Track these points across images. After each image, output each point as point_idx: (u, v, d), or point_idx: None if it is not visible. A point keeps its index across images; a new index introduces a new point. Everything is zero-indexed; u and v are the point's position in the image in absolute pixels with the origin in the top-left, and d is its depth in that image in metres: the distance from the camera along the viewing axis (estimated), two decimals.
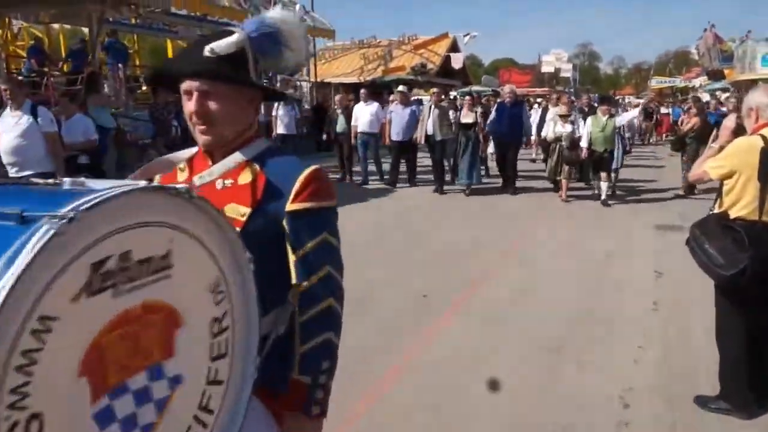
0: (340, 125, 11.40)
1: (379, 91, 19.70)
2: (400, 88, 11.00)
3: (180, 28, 18.88)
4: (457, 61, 26.37)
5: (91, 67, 10.00)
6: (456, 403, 3.16)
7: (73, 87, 13.13)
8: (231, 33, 1.30)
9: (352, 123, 10.93)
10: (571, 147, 9.10)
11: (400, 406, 3.12)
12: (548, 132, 9.93)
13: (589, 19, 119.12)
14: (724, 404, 2.96)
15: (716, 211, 2.86)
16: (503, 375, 3.46)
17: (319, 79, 21.92)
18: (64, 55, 19.91)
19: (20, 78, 12.44)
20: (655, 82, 55.05)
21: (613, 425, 2.92)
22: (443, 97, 11.76)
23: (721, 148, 2.88)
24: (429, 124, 10.15)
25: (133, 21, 18.49)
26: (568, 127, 9.35)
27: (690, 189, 10.00)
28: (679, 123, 19.24)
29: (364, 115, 10.87)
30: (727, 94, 24.16)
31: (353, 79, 24.91)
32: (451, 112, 10.45)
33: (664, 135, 24.03)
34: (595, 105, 11.20)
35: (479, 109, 10.99)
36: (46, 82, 12.13)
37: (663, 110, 25.18)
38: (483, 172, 11.07)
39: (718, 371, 3.04)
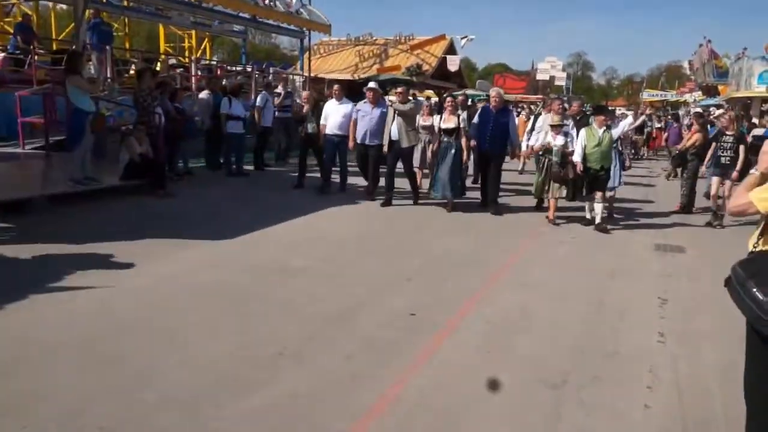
0: (310, 125, 9.94)
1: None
2: (399, 88, 9.37)
3: (173, 13, 18.40)
4: (453, 64, 25.99)
5: (74, 47, 9.50)
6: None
7: (58, 66, 12.71)
8: None
9: (321, 122, 9.62)
10: (561, 163, 7.94)
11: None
12: (536, 142, 8.89)
13: (583, 29, 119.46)
14: None
15: (762, 248, 2.49)
16: (501, 414, 3.12)
17: (312, 74, 21.48)
18: (54, 35, 19.39)
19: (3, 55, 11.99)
20: (647, 95, 55.29)
21: None
22: (412, 97, 10.70)
23: (764, 176, 2.52)
24: (393, 129, 8.84)
25: (125, 3, 18.01)
26: (560, 140, 8.07)
27: (688, 207, 9.78)
28: (665, 139, 19.16)
29: (335, 114, 9.52)
30: (720, 111, 24.16)
31: (347, 76, 24.48)
32: (419, 117, 9.14)
33: (656, 150, 23.73)
34: (587, 113, 10.02)
35: (463, 113, 9.84)
36: (30, 60, 11.65)
37: (656, 124, 24.83)
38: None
39: (744, 428, 2.71)
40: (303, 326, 4.17)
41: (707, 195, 9.16)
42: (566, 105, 10.70)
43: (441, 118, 8.91)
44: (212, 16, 18.82)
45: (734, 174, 8.31)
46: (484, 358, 3.83)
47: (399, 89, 9.16)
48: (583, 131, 7.90)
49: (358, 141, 9.21)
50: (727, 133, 8.71)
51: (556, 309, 4.80)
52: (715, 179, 8.70)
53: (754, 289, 2.30)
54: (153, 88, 9.13)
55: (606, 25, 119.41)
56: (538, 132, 9.09)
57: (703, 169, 9.31)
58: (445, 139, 8.65)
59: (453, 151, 8.54)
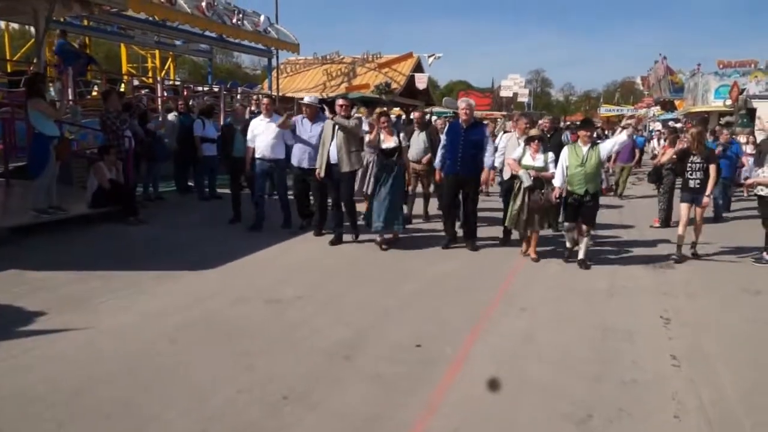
0: (237, 147, 8.44)
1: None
2: (340, 101, 7.71)
3: (136, 32, 17.92)
4: (421, 82, 26.15)
5: (34, 69, 9.05)
6: None
7: (16, 89, 12.15)
8: None
9: (248, 143, 7.95)
10: (540, 187, 6.80)
11: None
12: (500, 165, 7.69)
13: (541, 47, 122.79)
14: None
15: None
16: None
17: (280, 94, 21.23)
18: (8, 55, 18.65)
19: None
20: (604, 110, 56.85)
21: None
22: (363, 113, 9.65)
23: None
24: (332, 150, 7.32)
25: (86, 22, 17.44)
26: (540, 160, 6.86)
27: (666, 221, 9.87)
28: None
29: (263, 134, 7.82)
30: (678, 125, 24.92)
31: (316, 95, 24.31)
32: (367, 136, 7.56)
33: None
34: (561, 127, 9.65)
35: (422, 134, 8.88)
36: None
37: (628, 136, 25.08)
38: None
39: None
40: (305, 363, 3.90)
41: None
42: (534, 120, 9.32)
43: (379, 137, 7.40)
44: (177, 36, 18.43)
45: (705, 200, 7.25)
46: (501, 392, 3.63)
47: (340, 101, 7.60)
48: (565, 149, 6.83)
49: (295, 164, 7.71)
50: (693, 152, 7.38)
51: (560, 333, 4.65)
52: (683, 206, 7.41)
53: None
54: (120, 111, 8.74)
55: (563, 42, 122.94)
56: (501, 153, 7.88)
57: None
58: (386, 161, 7.25)
59: (394, 174, 7.23)
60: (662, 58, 36.34)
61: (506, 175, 7.73)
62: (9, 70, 14.13)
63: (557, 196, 6.72)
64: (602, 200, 8.80)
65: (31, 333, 4.21)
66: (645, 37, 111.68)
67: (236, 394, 3.45)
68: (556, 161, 6.88)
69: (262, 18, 18.27)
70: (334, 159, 7.31)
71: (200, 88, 19.89)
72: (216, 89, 18.09)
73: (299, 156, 7.65)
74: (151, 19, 15.33)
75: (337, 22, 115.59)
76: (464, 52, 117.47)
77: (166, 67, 22.43)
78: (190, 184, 11.07)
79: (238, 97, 18.18)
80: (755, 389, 3.76)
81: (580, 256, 6.76)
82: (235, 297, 5.23)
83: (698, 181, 7.30)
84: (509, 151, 7.63)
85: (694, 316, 5.19)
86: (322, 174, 7.35)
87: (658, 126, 35.47)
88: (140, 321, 4.55)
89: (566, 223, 7.00)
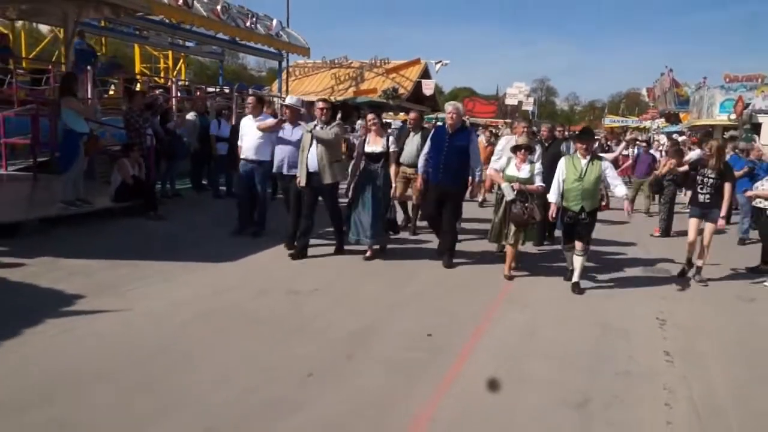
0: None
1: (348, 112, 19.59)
2: (320, 103, 6.92)
3: (151, 33, 18.31)
4: (428, 88, 26.55)
5: (64, 69, 9.41)
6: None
7: (38, 87, 12.52)
8: None
9: (239, 143, 7.76)
10: (523, 200, 6.21)
11: None
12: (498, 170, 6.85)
13: (546, 56, 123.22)
14: None
15: None
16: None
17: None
18: (24, 53, 19.04)
19: None
20: (609, 121, 57.17)
21: None
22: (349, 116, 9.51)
23: None
24: (312, 158, 6.58)
25: (102, 23, 17.84)
26: (525, 171, 6.34)
27: (666, 231, 10.16)
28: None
29: (249, 134, 7.52)
30: (682, 138, 25.24)
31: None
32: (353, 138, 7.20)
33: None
34: (559, 136, 8.76)
35: (416, 135, 8.16)
36: (10, 79, 11.43)
37: (624, 151, 25.03)
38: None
39: None
40: (326, 348, 4.23)
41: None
42: (534, 129, 9.27)
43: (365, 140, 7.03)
44: (191, 37, 18.82)
45: (721, 222, 6.72)
46: (505, 380, 3.94)
47: (319, 104, 6.82)
48: (562, 161, 6.24)
49: (275, 170, 7.26)
50: (709, 166, 6.82)
51: (562, 329, 4.96)
52: (692, 222, 6.90)
53: None
54: (143, 110, 9.10)
55: (568, 50, 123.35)
56: (498, 157, 7.43)
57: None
58: (371, 167, 6.79)
59: (378, 182, 6.74)
60: (668, 71, 36.70)
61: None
62: (25, 67, 14.54)
63: (553, 213, 6.23)
64: (606, 215, 9.32)
65: (73, 313, 4.56)
66: (651, 49, 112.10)
67: (265, 371, 3.78)
68: (551, 173, 6.31)
69: (274, 22, 18.65)
70: (313, 167, 6.60)
71: (212, 89, 20.26)
72: (227, 90, 18.47)
73: (278, 160, 7.15)
74: (167, 21, 15.75)
75: (345, 27, 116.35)
76: (469, 59, 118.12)
77: (177, 67, 22.84)
78: (204, 182, 11.42)
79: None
80: (744, 385, 4.07)
81: (574, 278, 6.15)
82: (257, 288, 5.56)
83: (708, 196, 6.79)
84: (504, 153, 7.13)
85: (689, 319, 5.50)
86: (302, 183, 6.69)
87: (663, 138, 35.85)
88: (170, 306, 4.88)
89: (566, 245, 6.40)
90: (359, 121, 10.35)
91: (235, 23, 16.53)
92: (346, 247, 7.09)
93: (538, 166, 6.45)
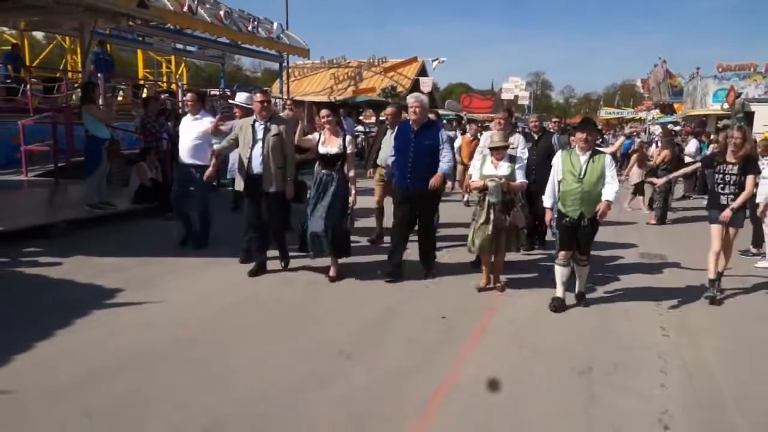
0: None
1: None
2: (258, 96, 5.85)
3: (155, 39, 18.68)
4: (426, 85, 26.87)
5: (82, 77, 9.79)
6: (504, 423, 3.32)
7: (51, 95, 12.90)
8: None
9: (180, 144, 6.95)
10: (503, 206, 5.42)
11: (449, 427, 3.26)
12: (474, 173, 5.87)
13: (540, 49, 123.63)
14: None
15: None
16: (546, 395, 3.65)
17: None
18: (28, 61, 19.39)
19: None
20: (604, 113, 57.54)
21: None
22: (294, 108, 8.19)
23: None
24: (255, 159, 5.76)
25: (108, 30, 18.21)
26: (504, 168, 5.52)
27: (662, 219, 10.57)
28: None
29: (185, 135, 6.84)
30: (678, 128, 25.64)
31: (323, 98, 25.11)
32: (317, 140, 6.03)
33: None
34: (549, 128, 7.95)
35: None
36: (24, 88, 11.80)
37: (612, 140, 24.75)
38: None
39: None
40: (352, 330, 4.63)
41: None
42: (513, 120, 7.88)
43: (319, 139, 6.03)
44: (193, 42, 19.18)
45: (726, 212, 5.66)
46: (520, 350, 4.34)
47: (258, 96, 5.81)
48: (558, 158, 5.36)
49: (228, 175, 6.83)
50: (730, 160, 5.78)
51: (568, 313, 5.34)
52: (715, 229, 5.80)
53: None
54: (158, 115, 9.49)
55: (562, 43, 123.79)
56: (480, 154, 6.46)
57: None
58: (323, 172, 5.85)
59: (333, 187, 5.78)
60: (662, 62, 37.14)
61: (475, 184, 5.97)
62: (36, 75, 14.91)
63: (550, 222, 5.46)
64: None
65: (116, 304, 4.97)
66: (646, 40, 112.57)
67: (301, 350, 4.19)
68: (547, 171, 5.58)
69: (275, 25, 19.06)
70: (257, 168, 5.79)
71: (215, 92, 20.64)
72: (229, 93, 18.84)
73: (231, 163, 6.77)
74: (172, 27, 16.12)
75: (341, 27, 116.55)
76: (464, 54, 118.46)
77: (179, 71, 23.20)
78: (214, 183, 11.77)
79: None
80: (733, 354, 4.47)
81: (578, 287, 5.52)
82: (280, 280, 5.95)
83: (732, 196, 5.74)
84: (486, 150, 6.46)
85: (683, 300, 5.87)
86: (241, 186, 5.97)
87: (658, 129, 36.29)
88: (202, 297, 5.29)
89: (560, 254, 5.35)
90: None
91: (237, 27, 16.93)
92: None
93: (520, 158, 5.72)
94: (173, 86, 18.13)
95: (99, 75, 13.13)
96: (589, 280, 5.70)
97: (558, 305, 5.25)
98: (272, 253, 6.29)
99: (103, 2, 7.99)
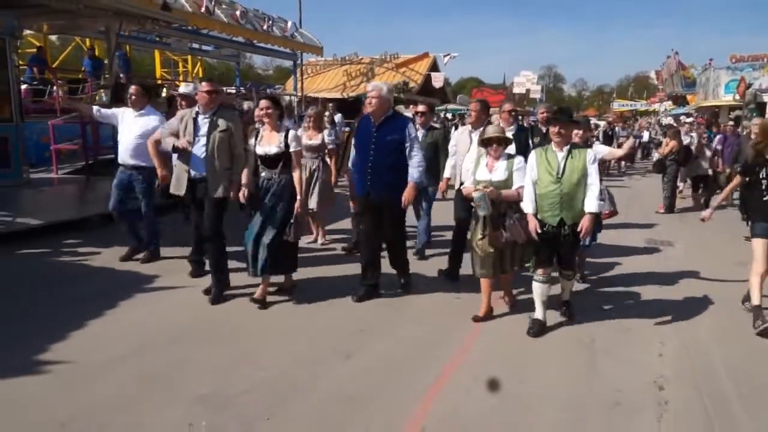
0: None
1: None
2: (205, 85, 5.11)
3: (172, 39, 19.15)
4: (437, 81, 27.21)
5: (108, 79, 10.25)
6: (519, 387, 3.67)
7: (75, 95, 13.39)
8: None
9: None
10: (497, 219, 4.56)
11: (463, 391, 3.63)
12: (465, 177, 5.10)
13: (552, 42, 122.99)
14: None
15: None
16: (554, 362, 4.02)
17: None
18: (49, 62, 19.98)
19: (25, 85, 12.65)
20: (617, 105, 57.38)
21: (654, 402, 3.51)
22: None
23: None
24: (197, 157, 5.02)
25: (126, 32, 18.73)
26: (500, 171, 4.63)
27: (670, 208, 10.83)
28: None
29: (127, 132, 6.19)
30: (690, 119, 25.70)
31: (336, 95, 25.50)
32: (304, 136, 6.26)
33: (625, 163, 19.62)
34: (533, 122, 6.71)
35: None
36: (51, 90, 12.29)
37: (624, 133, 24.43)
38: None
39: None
40: (368, 312, 5.00)
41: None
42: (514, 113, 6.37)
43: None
44: (210, 41, 19.63)
45: None
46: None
47: (204, 86, 5.05)
48: (531, 156, 4.61)
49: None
50: None
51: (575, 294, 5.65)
52: (760, 244, 4.82)
53: None
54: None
55: (575, 37, 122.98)
56: (453, 153, 6.04)
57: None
58: (263, 175, 5.04)
59: (275, 194, 4.98)
60: (674, 53, 37.12)
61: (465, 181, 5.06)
62: (57, 77, 15.43)
63: (536, 229, 4.45)
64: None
65: (154, 289, 5.42)
66: (660, 31, 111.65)
67: (323, 329, 4.59)
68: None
69: (289, 24, 19.46)
70: (200, 169, 5.04)
71: (231, 90, 21.10)
72: (244, 91, 19.27)
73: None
74: (189, 27, 16.56)
75: (354, 24, 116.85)
76: (475, 49, 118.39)
77: (195, 70, 23.69)
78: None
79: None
80: (726, 331, 4.77)
81: (564, 296, 4.91)
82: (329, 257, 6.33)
83: None
84: (461, 150, 5.80)
85: (683, 281, 6.18)
86: (181, 191, 5.23)
87: (671, 121, 36.28)
88: (232, 282, 5.65)
89: (538, 271, 4.64)
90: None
91: (253, 26, 17.35)
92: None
93: (518, 160, 4.69)
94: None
95: (121, 75, 13.70)
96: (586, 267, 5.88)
97: (537, 330, 4.53)
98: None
99: (131, 6, 8.39)
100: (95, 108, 6.39)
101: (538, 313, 4.64)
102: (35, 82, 13.45)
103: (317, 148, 7.02)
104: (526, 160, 4.63)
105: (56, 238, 7.15)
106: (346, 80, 27.87)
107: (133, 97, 6.25)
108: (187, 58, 22.49)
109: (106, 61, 14.47)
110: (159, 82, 19.62)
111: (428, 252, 6.91)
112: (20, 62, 15.19)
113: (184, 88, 5.94)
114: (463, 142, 5.81)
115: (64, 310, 4.81)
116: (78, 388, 3.56)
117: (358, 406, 3.43)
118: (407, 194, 5.07)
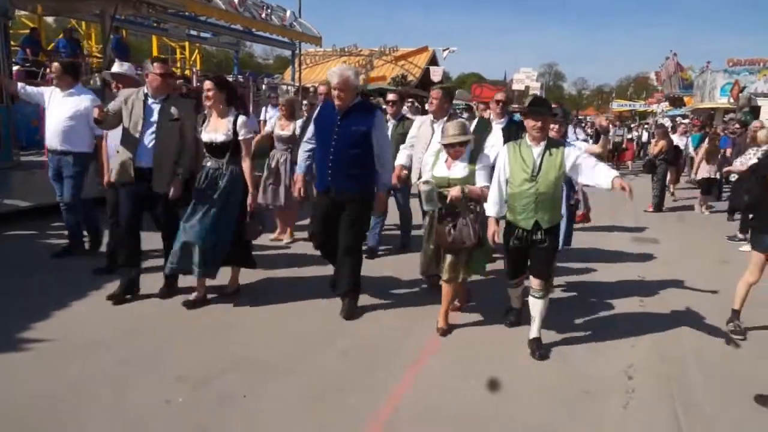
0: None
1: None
2: (155, 66, 4.54)
3: (170, 25, 19.11)
4: (436, 74, 27.22)
5: (103, 63, 10.24)
6: (501, 372, 3.75)
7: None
8: None
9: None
10: (450, 217, 4.16)
11: (437, 376, 3.72)
12: (424, 171, 4.80)
13: (554, 40, 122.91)
14: None
15: None
16: (526, 352, 4.09)
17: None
18: (43, 45, 19.92)
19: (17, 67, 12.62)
20: (616, 105, 57.43)
21: (621, 391, 3.60)
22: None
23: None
24: (144, 147, 4.54)
25: (123, 17, 18.68)
26: (459, 169, 4.25)
27: (659, 206, 10.92)
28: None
29: (55, 114, 5.65)
30: (687, 120, 25.79)
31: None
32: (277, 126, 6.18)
33: (630, 162, 20.34)
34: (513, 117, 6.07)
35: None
36: (44, 71, 12.26)
37: (627, 134, 24.52)
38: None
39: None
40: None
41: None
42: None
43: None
44: (208, 29, 19.60)
45: None
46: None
47: (158, 68, 4.53)
48: (503, 151, 4.15)
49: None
50: None
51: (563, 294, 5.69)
52: (760, 257, 4.52)
53: None
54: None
55: (577, 35, 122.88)
56: (410, 145, 5.67)
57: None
58: (209, 165, 4.58)
59: (221, 188, 4.52)
60: (673, 55, 37.19)
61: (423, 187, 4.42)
62: (50, 59, 15.38)
63: (495, 236, 4.07)
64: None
65: (141, 271, 5.42)
66: (661, 32, 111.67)
67: (303, 317, 4.66)
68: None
69: (288, 13, 19.42)
70: (146, 161, 4.55)
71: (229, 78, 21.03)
72: (242, 79, 19.26)
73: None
74: (187, 13, 16.52)
75: (352, 14, 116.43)
76: (477, 44, 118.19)
77: (193, 58, 23.64)
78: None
79: (264, 88, 19.33)
80: (701, 326, 4.81)
81: (533, 333, 4.12)
82: (295, 256, 6.40)
83: None
84: (422, 141, 5.38)
85: (667, 276, 6.25)
86: (108, 179, 4.93)
87: (667, 122, 36.36)
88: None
89: (510, 282, 4.38)
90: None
91: (251, 15, 17.31)
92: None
93: (485, 157, 4.36)
94: (187, 72, 18.60)
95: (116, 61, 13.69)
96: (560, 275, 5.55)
97: (515, 318, 4.47)
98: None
99: None
100: (20, 85, 5.89)
101: (515, 304, 4.53)
102: (28, 64, 13.43)
103: (288, 140, 6.51)
104: None
105: (44, 220, 7.20)
106: None
107: (54, 75, 5.73)
108: (185, 45, 22.43)
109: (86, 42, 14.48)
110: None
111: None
112: (13, 43, 15.24)
113: (117, 66, 5.36)
114: (423, 133, 5.40)
115: (49, 291, 4.87)
116: (60, 366, 3.62)
117: (333, 386, 3.52)
118: (380, 205, 4.75)
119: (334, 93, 4.43)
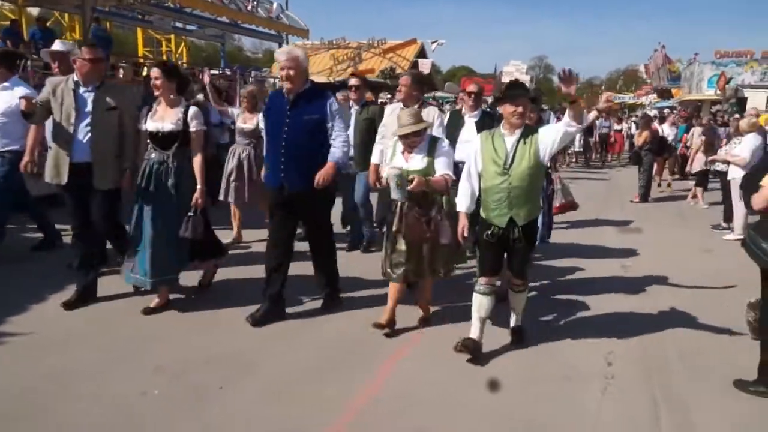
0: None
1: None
2: (85, 50, 4.16)
3: (155, 17, 18.90)
4: (425, 67, 27.07)
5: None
6: (481, 360, 3.74)
7: (49, 71, 13.18)
8: None
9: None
10: (420, 210, 3.91)
11: (416, 367, 3.70)
12: (385, 163, 4.59)
13: (544, 33, 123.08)
14: (762, 387, 3.36)
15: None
16: (508, 341, 4.07)
17: None
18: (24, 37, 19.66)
19: None
20: None
21: (601, 377, 3.60)
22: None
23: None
24: (80, 142, 4.12)
25: (107, 8, 18.45)
26: (417, 161, 3.96)
27: (645, 197, 10.95)
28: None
29: None
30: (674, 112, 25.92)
31: (323, 79, 25.33)
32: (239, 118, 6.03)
33: (618, 154, 20.58)
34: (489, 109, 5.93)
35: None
36: (24, 63, 12.07)
37: (616, 126, 24.50)
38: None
39: (759, 359, 3.41)
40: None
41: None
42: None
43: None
44: (193, 21, 19.42)
45: None
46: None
47: (87, 53, 4.10)
48: (476, 141, 3.84)
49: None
50: None
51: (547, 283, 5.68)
52: None
53: (763, 244, 3.22)
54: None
55: (567, 28, 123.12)
56: (382, 137, 5.26)
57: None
58: (153, 156, 4.19)
59: (170, 181, 4.17)
60: (661, 47, 37.30)
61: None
62: (31, 51, 15.15)
63: (464, 232, 3.78)
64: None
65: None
66: (650, 24, 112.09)
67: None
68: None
69: (274, 5, 19.28)
70: (83, 155, 4.14)
71: (215, 72, 20.88)
72: (229, 73, 19.10)
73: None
74: (171, 5, 16.35)
75: (342, 8, 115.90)
76: (467, 37, 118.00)
77: (179, 50, 23.41)
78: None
79: (251, 80, 19.24)
80: (683, 314, 4.80)
81: (513, 322, 4.05)
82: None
83: None
84: (389, 131, 4.91)
85: (650, 264, 6.25)
86: (63, 180, 4.20)
87: (655, 113, 36.55)
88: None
89: (480, 279, 3.84)
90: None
91: (237, 6, 17.16)
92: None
93: (442, 148, 4.02)
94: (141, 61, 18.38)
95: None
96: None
97: (471, 349, 3.68)
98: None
99: None
100: None
101: (474, 332, 3.76)
102: None
103: (251, 134, 6.08)
104: None
105: (25, 213, 7.07)
106: (333, 64, 27.70)
107: None
108: (170, 37, 22.21)
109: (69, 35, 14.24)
110: (141, 61, 19.41)
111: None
112: None
113: (59, 44, 4.90)
114: (392, 122, 4.74)
115: (26, 284, 4.81)
116: (37, 358, 3.58)
117: (310, 378, 3.48)
118: (322, 174, 4.07)
119: (282, 73, 4.06)
